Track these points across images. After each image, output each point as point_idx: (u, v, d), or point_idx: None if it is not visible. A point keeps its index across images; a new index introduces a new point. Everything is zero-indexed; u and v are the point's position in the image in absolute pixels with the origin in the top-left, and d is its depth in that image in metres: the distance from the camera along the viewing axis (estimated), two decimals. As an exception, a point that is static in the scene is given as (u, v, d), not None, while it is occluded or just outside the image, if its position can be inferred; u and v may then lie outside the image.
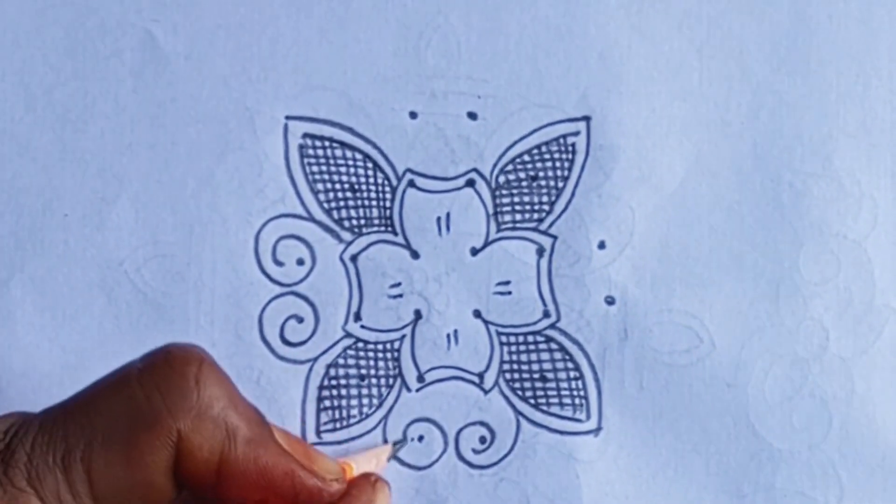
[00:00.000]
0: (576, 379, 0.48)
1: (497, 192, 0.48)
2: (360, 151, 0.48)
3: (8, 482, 0.39)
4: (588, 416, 0.48)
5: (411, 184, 0.48)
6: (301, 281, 0.48)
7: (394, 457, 0.48)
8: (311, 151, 0.48)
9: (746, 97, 0.48)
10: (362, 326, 0.48)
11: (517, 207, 0.48)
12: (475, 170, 0.48)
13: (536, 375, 0.48)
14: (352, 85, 0.48)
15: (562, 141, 0.48)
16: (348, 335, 0.48)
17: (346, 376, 0.48)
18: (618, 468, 0.48)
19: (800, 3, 0.49)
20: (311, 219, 0.48)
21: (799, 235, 0.48)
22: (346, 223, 0.48)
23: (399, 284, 0.48)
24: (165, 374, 0.40)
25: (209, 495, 0.41)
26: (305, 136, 0.48)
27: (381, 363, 0.48)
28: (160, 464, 0.40)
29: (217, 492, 0.41)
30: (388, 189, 0.48)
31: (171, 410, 0.39)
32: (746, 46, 0.49)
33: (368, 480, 0.45)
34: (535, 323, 0.48)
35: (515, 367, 0.48)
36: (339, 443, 0.48)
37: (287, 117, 0.48)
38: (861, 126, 0.48)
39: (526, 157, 0.48)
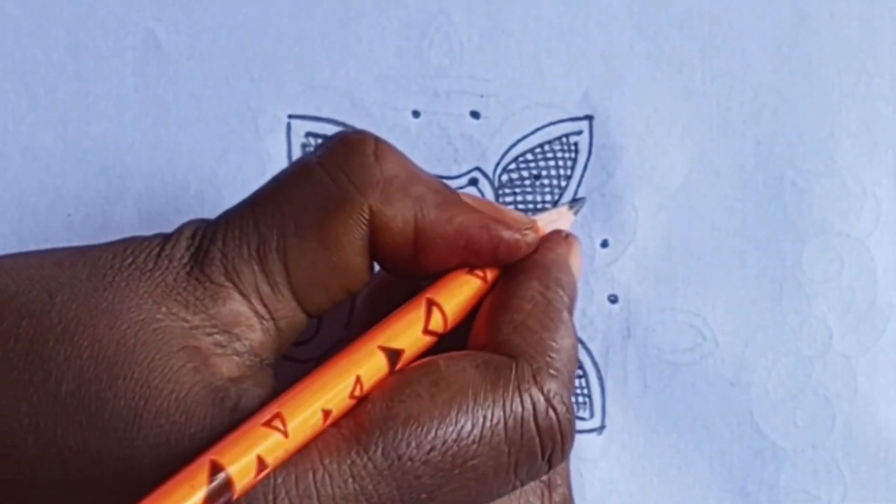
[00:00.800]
0: (579, 377, 0.48)
1: (500, 191, 0.48)
2: (363, 150, 0.48)
3: (206, 279, 0.38)
4: (591, 415, 0.48)
5: (414, 182, 0.48)
6: (304, 280, 0.48)
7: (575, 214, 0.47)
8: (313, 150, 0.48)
9: (748, 96, 0.49)
10: (365, 325, 0.48)
11: (520, 206, 0.48)
12: (478, 168, 0.48)
13: (540, 373, 0.48)
14: (354, 84, 0.48)
15: (564, 140, 0.48)
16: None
17: (350, 375, 0.48)
18: (621, 466, 0.48)
19: (801, 1, 0.49)
20: (314, 218, 0.48)
21: (801, 234, 0.48)
22: (349, 222, 0.48)
23: (402, 283, 0.48)
24: (345, 155, 0.39)
25: (408, 270, 0.41)
26: (308, 135, 0.48)
27: (384, 361, 0.48)
28: (355, 243, 0.39)
29: (416, 263, 0.40)
30: (390, 188, 0.48)
31: (358, 187, 0.39)
32: (748, 45, 0.49)
33: (560, 235, 0.44)
34: (538, 321, 0.48)
35: (519, 365, 0.48)
36: (342, 441, 0.48)
37: (290, 116, 0.48)
38: (863, 124, 0.48)
39: (529, 156, 0.48)
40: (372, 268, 0.40)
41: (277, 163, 0.48)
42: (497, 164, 0.48)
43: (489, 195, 0.48)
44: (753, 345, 0.48)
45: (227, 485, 0.34)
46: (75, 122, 0.48)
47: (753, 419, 0.48)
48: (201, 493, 0.34)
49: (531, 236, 0.42)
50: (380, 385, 0.38)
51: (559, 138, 0.48)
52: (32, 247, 0.47)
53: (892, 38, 0.48)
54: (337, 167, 0.39)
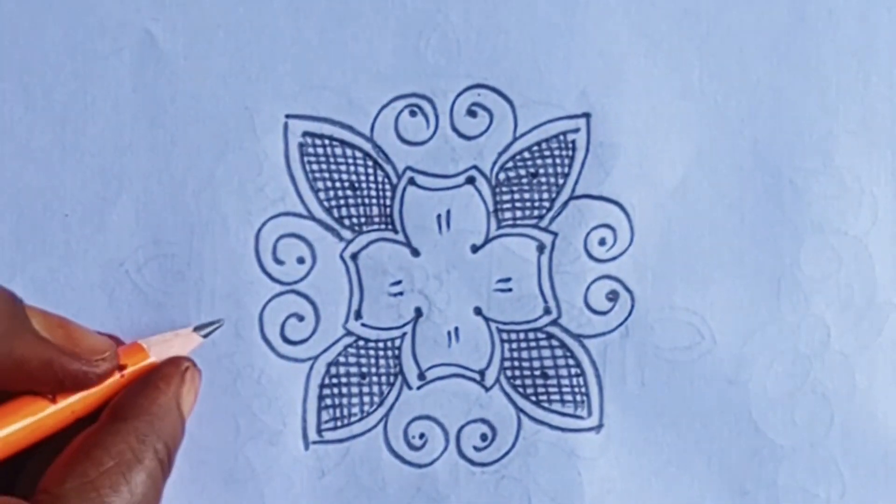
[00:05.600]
0: (577, 376, 0.48)
1: (497, 190, 0.48)
2: (360, 150, 0.48)
3: None
4: (589, 413, 0.48)
5: (411, 181, 0.48)
6: (301, 279, 0.48)
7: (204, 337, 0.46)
8: (311, 150, 0.48)
9: (746, 94, 0.48)
10: (363, 324, 0.48)
11: (517, 204, 0.48)
12: (475, 167, 0.48)
13: (537, 372, 0.48)
14: (351, 83, 0.48)
15: (562, 138, 0.48)
16: (349, 333, 0.48)
17: (347, 374, 0.48)
18: (619, 465, 0.48)
19: (799, 0, 0.49)
20: (312, 217, 0.48)
21: (799, 232, 0.48)
22: (347, 221, 0.48)
23: (399, 282, 0.48)
24: None
25: None
26: (305, 134, 0.48)
27: (381, 361, 0.48)
28: None
29: None
30: (388, 187, 0.48)
31: None
32: (746, 43, 0.49)
33: (178, 369, 0.43)
34: (535, 320, 0.48)
35: (516, 364, 0.48)
36: (340, 441, 0.48)
37: (287, 116, 0.48)
38: (861, 122, 0.48)
39: (526, 154, 0.48)
40: None
41: (274, 162, 0.48)
42: (494, 163, 0.48)
43: (487, 193, 0.48)
44: (751, 343, 0.48)
45: None
46: (72, 122, 0.48)
47: (752, 417, 0.48)
48: None
49: (103, 367, 0.41)
50: None
51: (556, 136, 0.48)
52: (30, 248, 0.47)
53: (890, 36, 0.48)
54: None
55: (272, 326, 0.48)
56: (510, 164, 0.48)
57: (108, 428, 0.41)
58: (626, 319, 0.48)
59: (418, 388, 0.48)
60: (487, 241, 0.48)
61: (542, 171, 0.48)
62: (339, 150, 0.48)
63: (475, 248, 0.48)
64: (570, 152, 0.48)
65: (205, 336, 0.46)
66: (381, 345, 0.48)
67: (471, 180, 0.48)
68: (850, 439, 0.48)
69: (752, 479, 0.48)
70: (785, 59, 0.48)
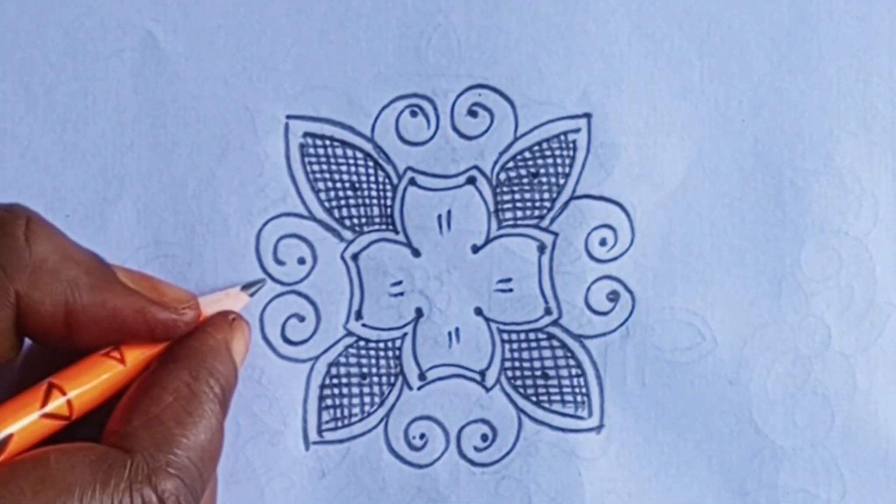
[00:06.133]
0: (577, 376, 0.48)
1: (498, 190, 0.48)
2: (361, 150, 0.48)
3: None
4: (590, 414, 0.48)
5: (412, 182, 0.48)
6: (302, 280, 0.48)
7: (251, 295, 0.47)
8: (311, 150, 0.48)
9: (747, 94, 0.48)
10: (363, 325, 0.48)
11: (518, 205, 0.48)
12: (476, 167, 0.48)
13: (538, 373, 0.48)
14: (352, 84, 0.48)
15: (563, 138, 0.48)
16: (350, 334, 0.48)
17: (348, 375, 0.48)
18: (620, 466, 0.48)
19: (800, 0, 0.49)
20: (312, 218, 0.48)
21: (800, 232, 0.48)
22: (347, 222, 0.48)
23: (400, 283, 0.48)
24: None
25: (63, 346, 0.41)
26: (306, 135, 0.48)
27: (382, 361, 0.48)
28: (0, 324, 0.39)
29: (70, 342, 0.40)
30: (388, 187, 0.48)
31: (6, 271, 0.39)
32: (747, 44, 0.49)
33: (226, 318, 0.44)
34: (536, 320, 0.48)
35: (517, 364, 0.48)
36: (340, 441, 0.48)
37: (288, 116, 0.48)
38: (862, 123, 0.48)
39: (527, 155, 0.48)
40: (20, 343, 0.40)
41: (275, 163, 0.48)
42: (495, 163, 0.48)
43: (487, 193, 0.48)
44: (752, 344, 0.48)
45: None
46: (74, 122, 0.48)
47: (752, 418, 0.48)
48: None
49: (189, 315, 0.42)
50: None
51: (557, 136, 0.48)
52: (30, 248, 0.47)
53: (891, 36, 0.48)
54: None
55: (273, 327, 0.48)
56: (511, 165, 0.48)
57: (162, 369, 0.42)
58: (626, 320, 0.48)
59: (419, 388, 0.48)
60: (488, 241, 0.48)
61: (542, 171, 0.48)
62: (339, 151, 0.48)
63: (476, 249, 0.48)
64: (571, 152, 0.48)
65: (251, 294, 0.47)
66: (381, 345, 0.48)
67: (471, 180, 0.48)
68: (850, 440, 0.48)
69: (752, 479, 0.48)
70: (785, 60, 0.48)
